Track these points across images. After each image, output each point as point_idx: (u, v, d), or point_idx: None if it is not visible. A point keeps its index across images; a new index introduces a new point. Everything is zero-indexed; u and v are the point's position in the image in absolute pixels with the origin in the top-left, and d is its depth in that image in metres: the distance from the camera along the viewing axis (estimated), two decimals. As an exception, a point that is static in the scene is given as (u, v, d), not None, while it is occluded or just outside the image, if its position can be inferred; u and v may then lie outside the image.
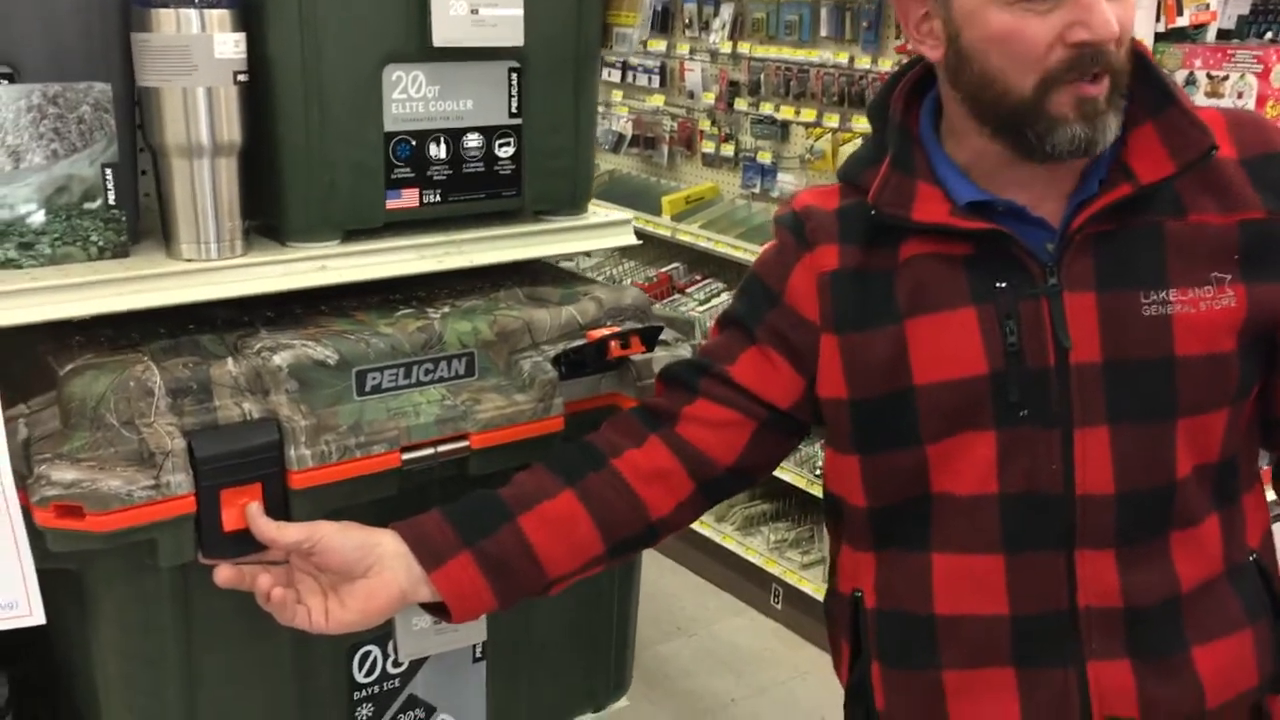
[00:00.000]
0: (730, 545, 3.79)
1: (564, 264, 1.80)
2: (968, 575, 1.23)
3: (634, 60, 4.18)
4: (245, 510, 1.22)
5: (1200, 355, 1.18)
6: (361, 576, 1.20)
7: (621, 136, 4.27)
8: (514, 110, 1.52)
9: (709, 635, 3.70)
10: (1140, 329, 1.18)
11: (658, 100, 4.16)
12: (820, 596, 3.54)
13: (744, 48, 3.76)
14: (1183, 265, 1.18)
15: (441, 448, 1.37)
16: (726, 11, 3.81)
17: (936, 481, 1.23)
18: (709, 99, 3.93)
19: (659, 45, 4.08)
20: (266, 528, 1.21)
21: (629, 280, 4.11)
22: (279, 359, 1.30)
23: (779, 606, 3.77)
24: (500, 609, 1.27)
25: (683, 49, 4.03)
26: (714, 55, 3.92)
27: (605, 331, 1.46)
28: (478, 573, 1.22)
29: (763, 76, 3.73)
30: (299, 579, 1.22)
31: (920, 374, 1.22)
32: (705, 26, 3.91)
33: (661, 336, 1.51)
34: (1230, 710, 1.26)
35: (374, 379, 1.36)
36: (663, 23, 4.06)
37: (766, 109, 3.72)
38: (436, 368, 1.40)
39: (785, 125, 3.72)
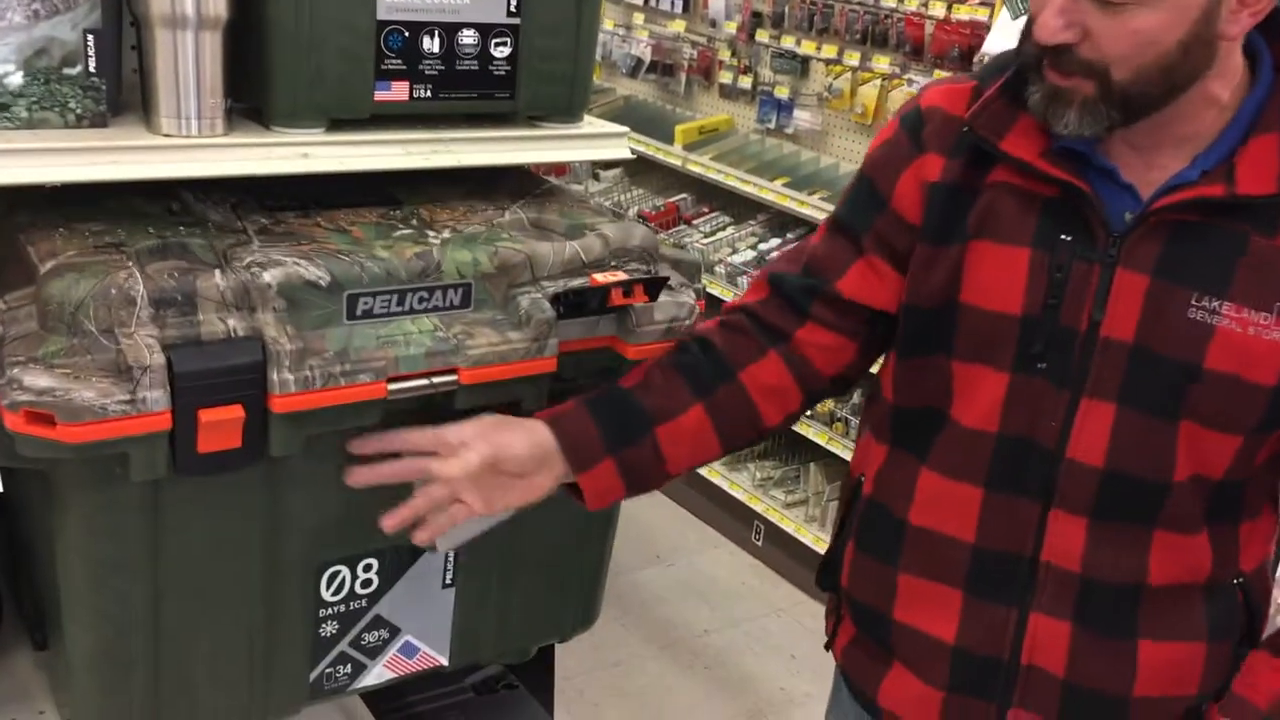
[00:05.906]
0: (715, 479, 3.79)
1: (573, 186, 1.75)
2: (947, 497, 1.29)
3: (658, -20, 4.08)
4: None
5: (1228, 374, 1.16)
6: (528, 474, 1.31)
7: (640, 61, 4.18)
8: (513, 9, 1.46)
9: (687, 566, 3.72)
10: (1179, 327, 1.16)
11: (679, 26, 4.06)
12: (801, 536, 3.55)
13: (771, -23, 3.67)
14: (1249, 283, 1.14)
15: (429, 380, 1.33)
16: (757, -62, 3.71)
17: (953, 406, 1.27)
18: (731, 28, 3.84)
19: (685, -33, 3.98)
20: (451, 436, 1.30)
21: (635, 208, 4.05)
22: (269, 276, 1.26)
23: (759, 543, 3.78)
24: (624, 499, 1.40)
25: (709, -27, 3.92)
26: (740, -18, 3.82)
27: (609, 278, 1.41)
28: (616, 476, 1.34)
29: (787, 9, 3.64)
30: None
31: (967, 293, 1.24)
32: (734, -49, 3.81)
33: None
34: (1155, 706, 1.27)
35: (365, 304, 1.32)
36: (690, -56, 3.96)
37: (788, 43, 3.64)
38: (431, 296, 1.36)
39: (805, 61, 3.64)
